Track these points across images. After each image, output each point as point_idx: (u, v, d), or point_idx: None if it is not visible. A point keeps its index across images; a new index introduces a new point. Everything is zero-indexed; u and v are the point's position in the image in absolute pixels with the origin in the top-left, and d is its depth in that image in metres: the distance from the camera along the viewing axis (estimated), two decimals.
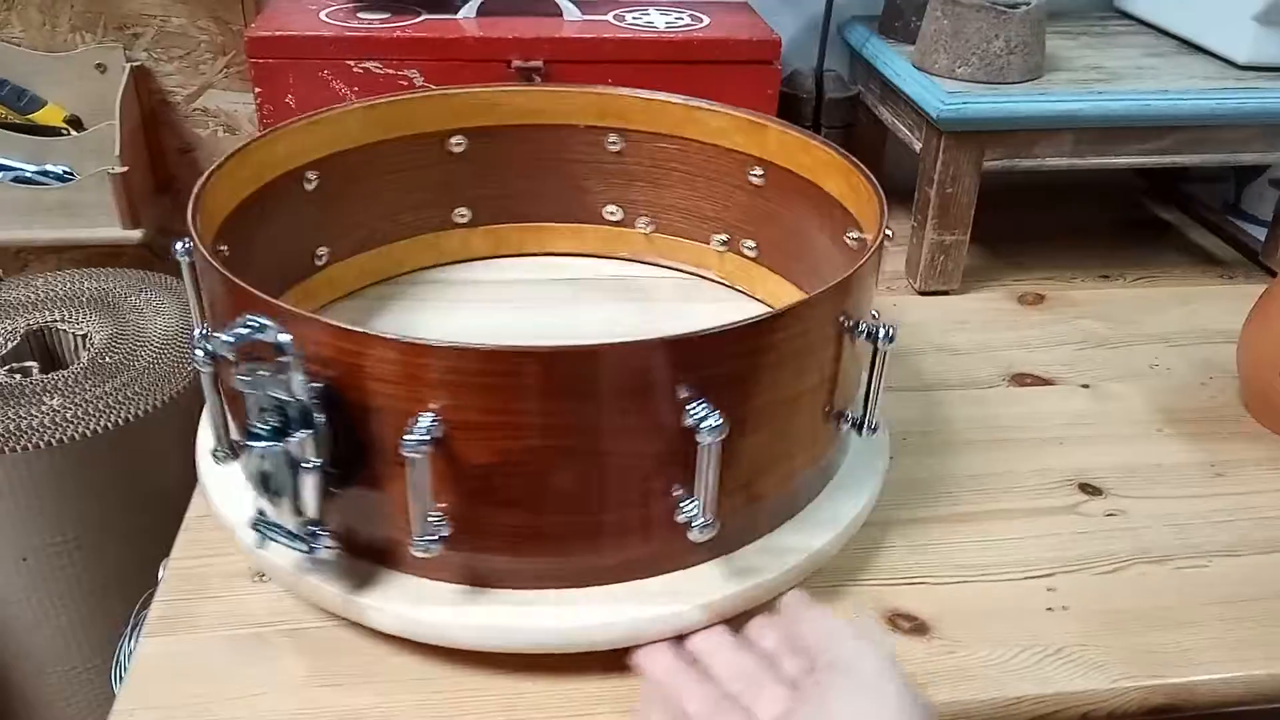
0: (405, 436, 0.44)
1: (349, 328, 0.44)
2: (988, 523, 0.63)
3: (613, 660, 0.49)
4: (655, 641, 0.48)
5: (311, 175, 0.68)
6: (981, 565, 0.59)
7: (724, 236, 0.77)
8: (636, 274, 0.80)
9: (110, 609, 0.84)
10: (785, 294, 0.74)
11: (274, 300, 0.46)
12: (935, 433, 0.71)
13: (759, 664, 0.43)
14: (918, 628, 0.55)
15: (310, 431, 0.45)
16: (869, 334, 0.53)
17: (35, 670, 0.88)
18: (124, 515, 0.82)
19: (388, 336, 0.44)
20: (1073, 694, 0.51)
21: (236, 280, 0.48)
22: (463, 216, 0.78)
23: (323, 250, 0.72)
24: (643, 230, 0.79)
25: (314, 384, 0.45)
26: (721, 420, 0.45)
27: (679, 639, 0.49)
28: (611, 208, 0.79)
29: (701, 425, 0.45)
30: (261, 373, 0.44)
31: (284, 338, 0.44)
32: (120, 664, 0.75)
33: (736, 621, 0.50)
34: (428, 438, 0.44)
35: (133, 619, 0.77)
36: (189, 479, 0.60)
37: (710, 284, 0.79)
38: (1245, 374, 0.74)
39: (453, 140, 0.75)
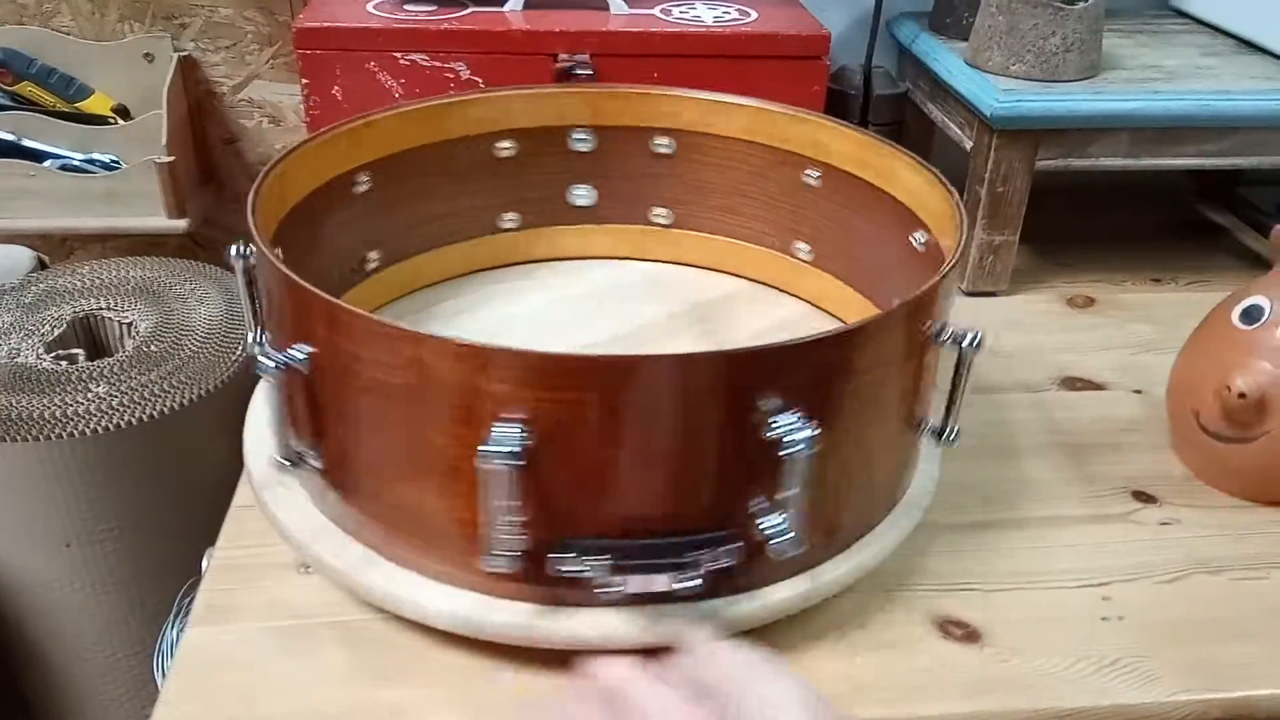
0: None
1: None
2: (1040, 529, 0.62)
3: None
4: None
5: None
6: (1034, 572, 0.58)
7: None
8: (666, 275, 0.78)
9: (152, 596, 0.84)
10: (841, 298, 0.73)
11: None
12: (986, 436, 0.70)
13: (670, 694, 0.41)
14: (969, 635, 0.54)
15: None
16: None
17: (76, 655, 0.88)
18: (167, 504, 0.83)
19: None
20: (1129, 706, 0.50)
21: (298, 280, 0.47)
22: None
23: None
24: (691, 232, 0.77)
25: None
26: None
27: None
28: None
29: None
30: None
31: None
32: (162, 651, 0.76)
33: None
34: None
35: (175, 606, 0.77)
36: (233, 469, 0.61)
37: (765, 291, 0.77)
38: (1171, 408, 0.68)
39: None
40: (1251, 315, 0.62)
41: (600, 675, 0.43)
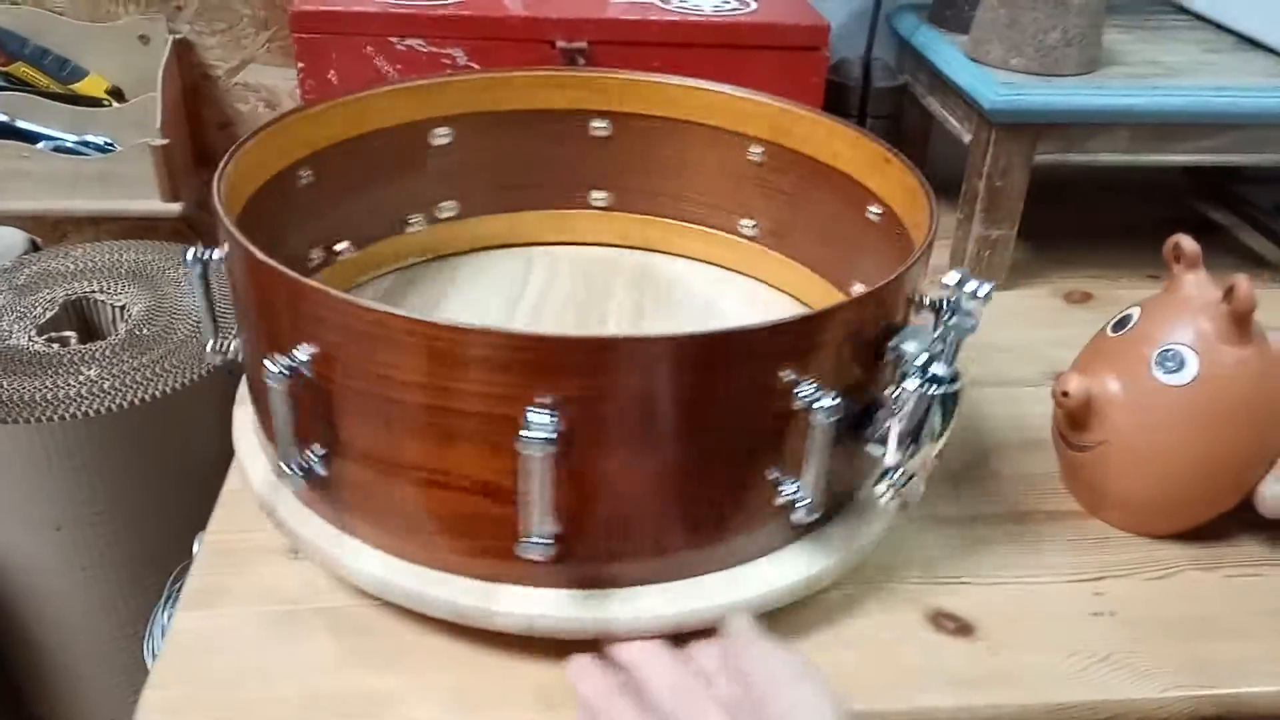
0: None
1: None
2: (1032, 524, 0.61)
3: None
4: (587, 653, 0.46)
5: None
6: (1026, 567, 0.58)
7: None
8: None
9: (143, 580, 0.84)
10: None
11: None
12: (977, 431, 0.70)
13: (694, 682, 0.41)
14: (961, 629, 0.53)
15: None
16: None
17: (68, 639, 0.88)
18: (158, 488, 0.83)
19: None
20: (1121, 702, 0.50)
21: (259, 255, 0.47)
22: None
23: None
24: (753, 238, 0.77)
25: None
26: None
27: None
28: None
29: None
30: None
31: None
32: (153, 635, 0.76)
33: None
34: None
35: (166, 590, 0.77)
36: (224, 453, 0.60)
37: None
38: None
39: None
40: (1122, 324, 0.62)
41: (619, 656, 0.43)
